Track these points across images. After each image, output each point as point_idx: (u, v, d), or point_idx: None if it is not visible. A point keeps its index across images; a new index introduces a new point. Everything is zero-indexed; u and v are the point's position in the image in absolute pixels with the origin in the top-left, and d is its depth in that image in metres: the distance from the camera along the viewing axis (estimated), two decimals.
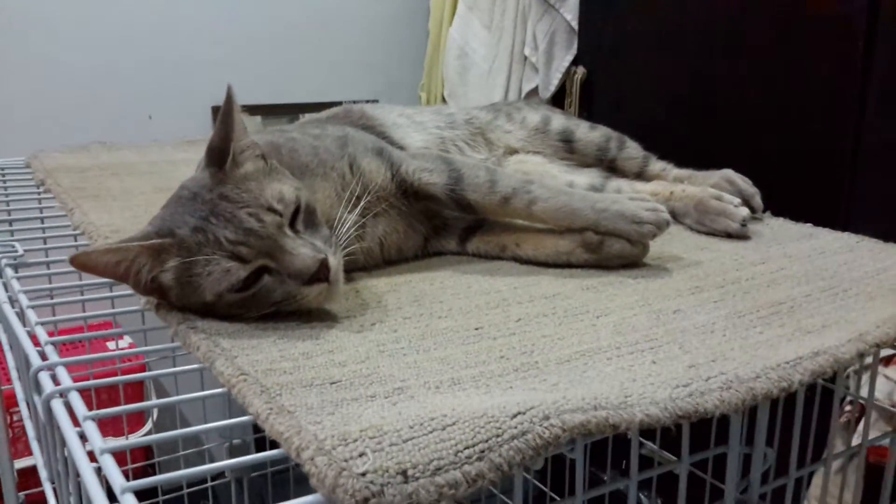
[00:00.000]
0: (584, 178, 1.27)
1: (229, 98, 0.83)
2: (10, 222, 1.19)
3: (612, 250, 1.00)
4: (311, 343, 0.77)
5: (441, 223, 1.07)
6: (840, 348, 0.76)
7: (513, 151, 1.28)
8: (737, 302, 0.90)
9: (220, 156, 0.84)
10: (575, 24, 2.19)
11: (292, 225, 0.81)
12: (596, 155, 1.29)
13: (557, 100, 2.31)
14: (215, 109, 2.34)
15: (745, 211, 1.14)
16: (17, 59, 2.18)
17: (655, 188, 1.25)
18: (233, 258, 0.78)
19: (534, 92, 2.37)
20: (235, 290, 0.79)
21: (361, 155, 0.99)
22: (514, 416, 0.58)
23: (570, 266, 1.02)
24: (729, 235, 1.15)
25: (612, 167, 1.30)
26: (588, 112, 2.21)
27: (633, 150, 1.30)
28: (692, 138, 1.84)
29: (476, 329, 0.82)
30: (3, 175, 1.53)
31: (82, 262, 0.78)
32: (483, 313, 0.87)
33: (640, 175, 1.30)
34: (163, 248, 0.79)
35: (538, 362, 0.74)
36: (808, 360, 0.74)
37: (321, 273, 0.79)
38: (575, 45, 2.23)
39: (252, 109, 2.69)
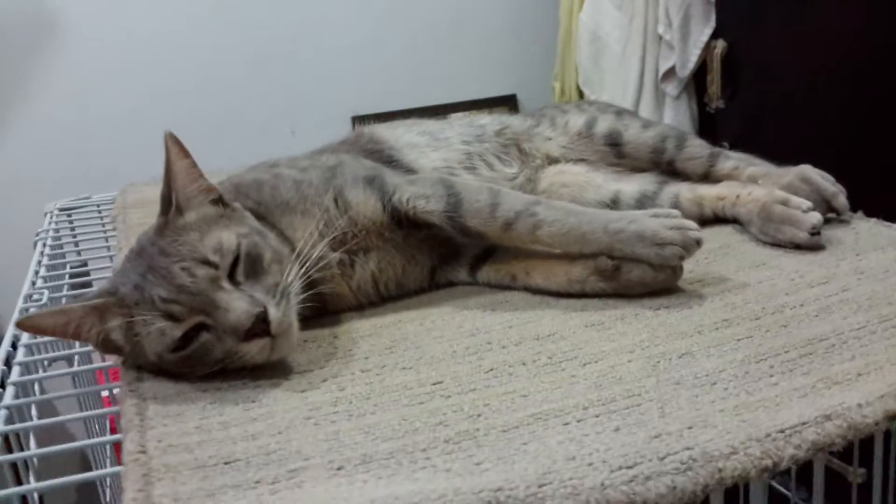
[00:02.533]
0: (634, 185, 1.12)
1: (169, 145, 0.78)
2: (52, 267, 1.22)
3: (632, 277, 0.86)
4: (239, 408, 0.71)
5: (452, 250, 0.98)
6: (862, 410, 0.60)
7: (553, 161, 1.15)
8: (765, 340, 0.75)
9: (165, 205, 0.79)
10: None
11: (232, 276, 0.75)
12: (650, 157, 1.14)
13: (698, 78, 2.15)
14: (355, 119, 2.33)
15: (814, 217, 0.96)
16: (157, 81, 2.21)
17: (722, 191, 1.09)
18: (166, 317, 0.73)
19: (671, 71, 2.20)
20: (171, 350, 0.74)
21: (350, 186, 0.92)
22: None
23: (584, 296, 0.89)
24: (797, 246, 0.97)
25: (671, 169, 1.14)
26: (732, 89, 2.04)
27: (695, 149, 1.13)
28: (848, 112, 1.61)
29: (434, 384, 0.73)
30: (99, 212, 1.57)
31: (30, 326, 0.77)
32: (454, 363, 0.77)
33: (707, 176, 1.13)
34: (105, 307, 0.76)
35: (479, 430, 0.64)
36: (812, 428, 0.59)
37: (257, 328, 0.72)
38: (713, 18, 2.06)
39: (394, 116, 2.68)
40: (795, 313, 0.80)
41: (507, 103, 2.76)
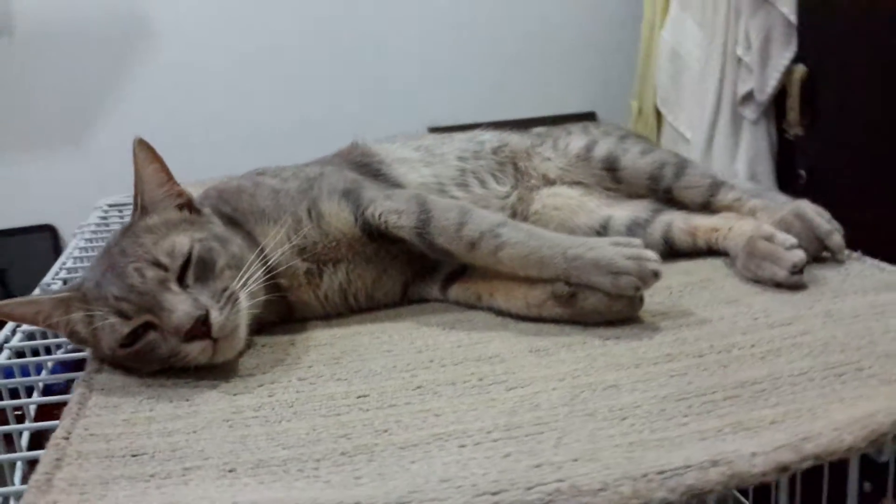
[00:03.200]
0: (626, 211, 1.10)
1: (137, 151, 0.83)
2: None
3: (587, 305, 0.86)
4: (171, 405, 0.75)
5: (426, 267, 0.99)
6: (753, 459, 0.59)
7: (550, 182, 1.15)
8: (697, 379, 0.73)
9: (133, 207, 0.84)
10: (793, 18, 1.98)
11: (182, 278, 0.80)
12: (647, 184, 1.12)
13: (778, 102, 2.10)
14: (432, 130, 2.37)
15: (796, 255, 0.93)
16: (241, 87, 2.29)
17: (717, 223, 1.06)
18: (117, 314, 0.78)
19: (750, 95, 2.16)
20: (121, 345, 0.78)
21: (325, 198, 0.95)
22: None
23: (542, 320, 0.90)
24: (778, 284, 0.94)
25: (669, 197, 1.12)
26: (812, 116, 1.99)
27: (694, 178, 1.11)
28: None
29: (359, 397, 0.75)
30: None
31: (4, 313, 0.83)
32: (387, 377, 0.79)
33: (707, 206, 1.11)
34: (70, 300, 0.81)
35: (378, 445, 0.66)
36: (693, 472, 0.58)
37: (197, 330, 0.76)
38: (794, 42, 2.02)
39: (470, 128, 2.70)
40: (742, 354, 0.78)
41: (586, 120, 2.75)
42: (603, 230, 1.09)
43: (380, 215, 0.93)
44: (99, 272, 0.81)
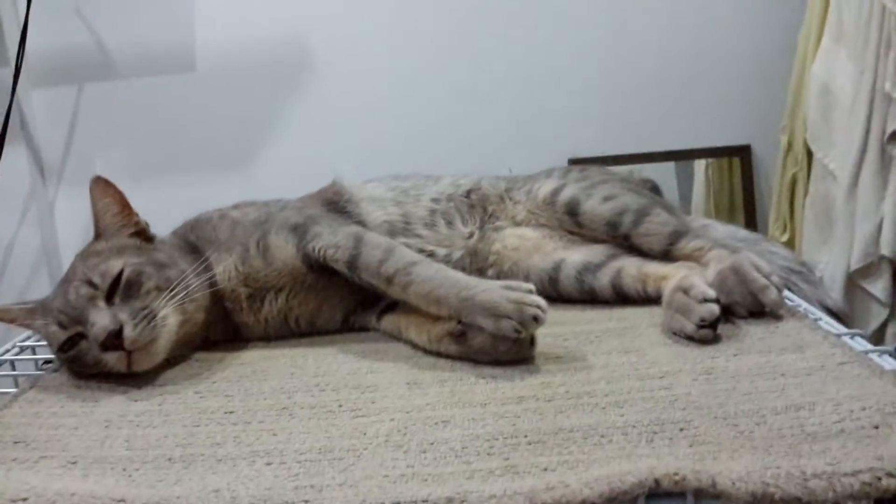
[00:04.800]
0: (579, 255, 1.12)
1: (92, 187, 0.98)
2: None
3: (475, 344, 0.90)
4: (78, 404, 0.87)
5: (367, 298, 1.07)
6: (487, 501, 0.62)
7: (518, 224, 1.19)
8: (523, 422, 0.76)
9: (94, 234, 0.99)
10: None
11: (110, 297, 0.92)
12: (605, 230, 1.13)
13: None
14: (572, 161, 2.36)
15: (705, 309, 0.91)
16: (392, 113, 2.35)
17: (669, 271, 1.05)
18: (57, 324, 0.92)
19: None
20: (59, 350, 0.93)
21: (275, 231, 1.04)
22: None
23: (440, 356, 0.94)
24: (689, 337, 0.93)
25: (629, 244, 1.12)
26: None
27: (654, 226, 1.10)
28: None
29: (227, 413, 0.84)
30: None
31: None
32: (267, 397, 0.87)
33: (668, 254, 1.10)
34: (34, 311, 0.96)
35: (203, 455, 0.74)
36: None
37: (109, 342, 0.88)
38: None
39: (613, 161, 2.67)
40: (588, 402, 0.79)
41: (739, 154, 2.66)
42: (554, 272, 1.11)
43: (319, 249, 1.01)
44: (57, 287, 0.96)
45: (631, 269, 1.08)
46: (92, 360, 0.91)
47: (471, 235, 1.16)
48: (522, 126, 2.46)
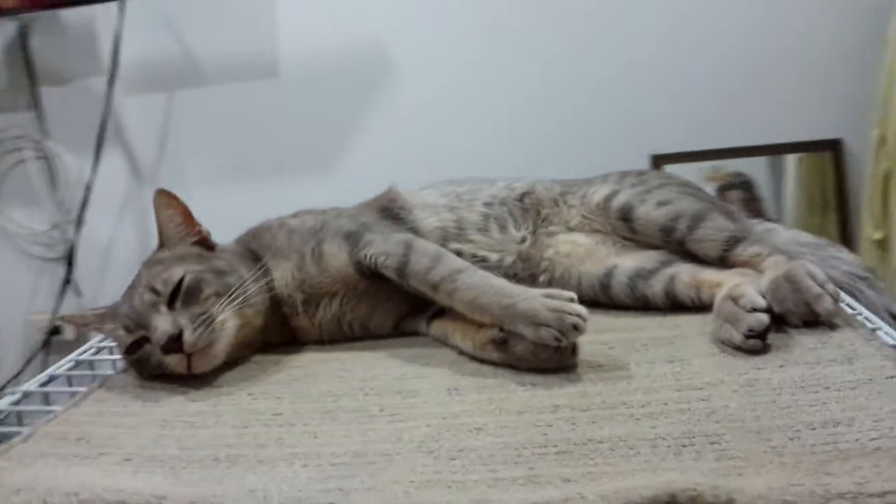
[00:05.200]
0: (632, 261, 1.11)
1: (156, 199, 1.04)
2: None
3: (516, 351, 0.92)
4: (139, 404, 0.93)
5: (420, 304, 1.09)
6: None
7: (571, 229, 1.19)
8: (555, 431, 0.77)
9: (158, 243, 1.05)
10: None
11: (172, 302, 0.98)
12: (659, 236, 1.11)
13: None
14: (654, 158, 2.33)
15: (754, 319, 0.89)
16: (469, 118, 2.37)
17: (724, 278, 1.04)
18: (124, 328, 0.98)
19: None
20: (126, 353, 0.99)
21: (329, 239, 1.08)
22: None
23: (484, 362, 0.96)
24: (737, 347, 0.91)
25: (684, 249, 1.11)
26: None
27: (710, 231, 1.08)
28: None
29: (275, 415, 0.88)
30: None
31: (69, 321, 1.07)
32: (315, 400, 0.90)
33: (724, 260, 1.08)
34: (104, 316, 1.03)
35: (246, 456, 0.78)
36: None
37: (170, 345, 0.94)
38: None
39: (697, 156, 2.63)
40: (623, 412, 0.79)
41: (831, 148, 2.57)
42: (606, 279, 1.11)
43: (371, 256, 1.04)
44: (125, 294, 1.02)
45: (685, 275, 1.06)
46: (155, 362, 0.96)
47: (523, 240, 1.17)
48: (602, 124, 2.42)
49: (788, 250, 1.06)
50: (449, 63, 2.40)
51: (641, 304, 1.09)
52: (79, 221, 2.21)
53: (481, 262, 1.14)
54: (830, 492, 0.60)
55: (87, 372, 1.12)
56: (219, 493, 0.69)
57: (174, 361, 0.95)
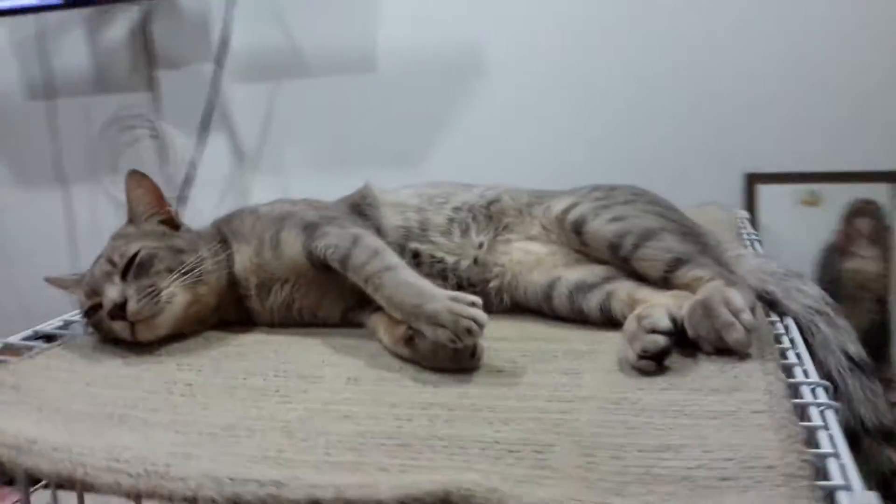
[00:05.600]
0: (576, 274, 1.11)
1: (126, 180, 1.13)
2: None
3: (420, 349, 0.95)
4: (85, 364, 1.02)
5: (366, 297, 1.13)
6: (294, 489, 0.68)
7: (531, 238, 1.20)
8: (413, 426, 0.80)
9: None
10: None
11: (125, 274, 1.07)
12: (606, 251, 1.11)
13: None
14: (749, 177, 2.28)
15: (650, 341, 0.89)
16: (559, 122, 2.39)
17: (656, 299, 1.04)
18: (85, 294, 1.08)
19: None
20: (85, 316, 1.09)
21: (288, 229, 1.14)
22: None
23: (399, 358, 1.00)
24: (632, 367, 0.92)
25: (630, 267, 1.11)
26: None
27: (655, 251, 1.07)
28: None
29: (187, 385, 0.95)
30: None
31: (53, 283, 1.18)
32: (231, 376, 0.97)
33: (667, 281, 1.07)
34: (78, 281, 1.13)
35: (139, 417, 0.86)
36: (252, 486, 0.69)
37: (114, 312, 1.03)
38: None
39: (794, 178, 2.55)
40: (486, 416, 0.80)
41: None
42: (549, 289, 1.12)
43: (322, 247, 1.10)
44: (93, 263, 1.12)
45: (622, 293, 1.06)
46: (106, 327, 1.06)
47: (480, 246, 1.19)
48: (693, 138, 2.37)
49: (731, 277, 1.04)
50: (541, 68, 2.43)
51: (578, 317, 1.10)
52: (182, 199, 2.35)
53: (438, 263, 1.18)
54: None
55: (71, 332, 1.23)
56: (84, 444, 0.77)
57: (119, 328, 1.04)
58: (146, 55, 2.59)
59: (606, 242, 1.10)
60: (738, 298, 0.93)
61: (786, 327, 1.06)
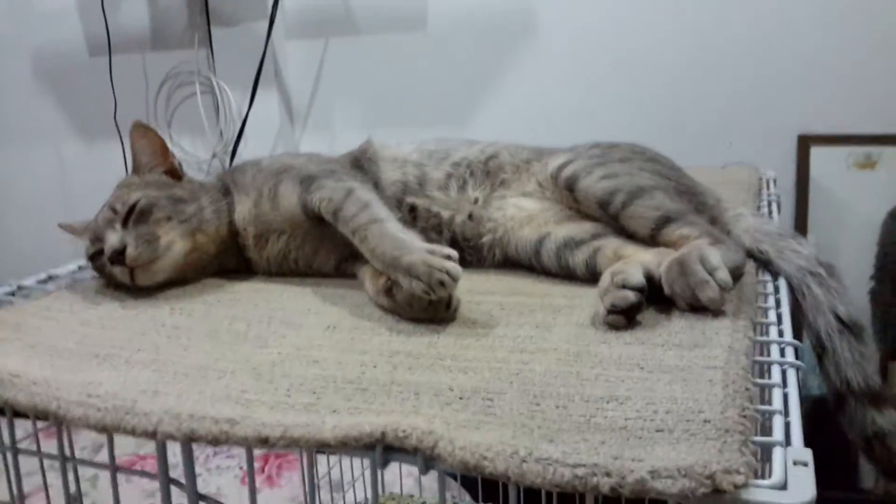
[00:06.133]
0: (564, 231, 1.11)
1: (132, 130, 1.17)
2: None
3: (398, 299, 0.97)
4: (85, 305, 1.08)
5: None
6: (233, 427, 0.71)
7: (526, 194, 1.20)
8: (374, 372, 0.82)
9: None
10: None
11: (126, 222, 1.11)
12: (596, 209, 1.11)
13: None
14: (802, 138, 2.25)
15: (620, 296, 0.89)
16: (608, 83, 2.37)
17: (642, 256, 1.04)
18: (90, 240, 1.13)
19: None
20: (90, 260, 1.14)
21: (286, 181, 1.17)
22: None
23: (380, 308, 1.02)
24: (602, 321, 0.92)
25: (619, 224, 1.10)
26: None
27: (643, 209, 1.07)
28: None
29: (174, 328, 0.99)
30: None
31: (66, 229, 1.24)
32: (218, 321, 1.00)
33: (654, 238, 1.07)
34: (85, 227, 1.18)
35: (122, 356, 0.90)
36: (208, 422, 0.73)
37: (113, 257, 1.07)
38: None
39: (850, 140, 2.47)
40: (447, 364, 0.82)
41: None
42: (538, 245, 1.13)
43: (317, 200, 1.12)
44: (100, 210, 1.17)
45: (608, 249, 1.07)
46: (108, 272, 1.10)
47: (476, 201, 1.20)
48: (746, 98, 2.32)
49: (717, 235, 1.04)
50: (592, 29, 2.38)
51: (566, 273, 1.10)
52: (233, 153, 2.42)
53: (434, 217, 1.19)
54: (532, 455, 0.62)
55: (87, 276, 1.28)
56: (63, 379, 0.81)
57: (118, 272, 1.08)
58: (202, 13, 2.63)
59: (597, 199, 1.10)
60: (716, 256, 0.93)
61: (776, 287, 1.05)
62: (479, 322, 0.95)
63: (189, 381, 0.81)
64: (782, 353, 0.85)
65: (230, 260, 1.19)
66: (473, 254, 1.18)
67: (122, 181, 1.19)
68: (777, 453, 0.64)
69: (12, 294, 1.17)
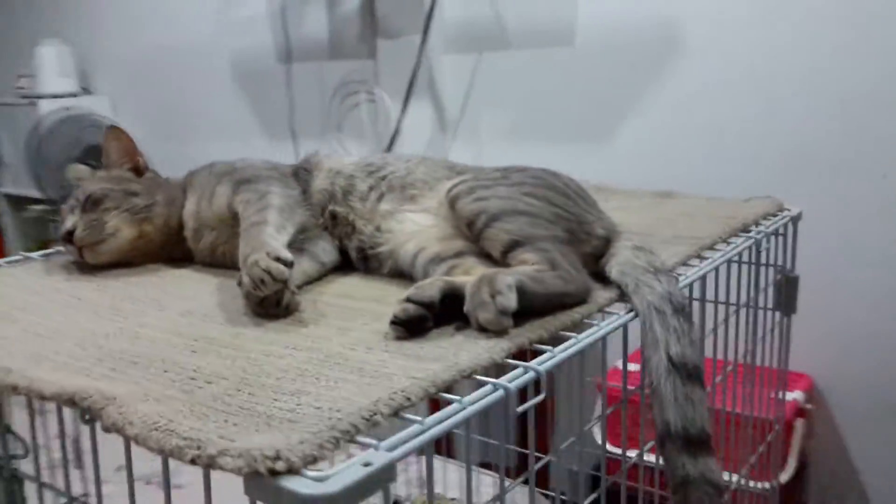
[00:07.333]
0: (438, 247, 1.16)
1: (106, 134, 1.39)
2: None
3: (242, 293, 1.11)
4: (42, 279, 1.31)
5: None
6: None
7: (425, 210, 1.27)
8: (166, 351, 0.95)
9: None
10: None
11: (84, 209, 1.33)
12: (466, 229, 1.17)
13: None
14: None
15: (400, 308, 0.97)
16: (750, 103, 2.34)
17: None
18: (60, 223, 1.37)
19: None
20: (61, 239, 1.37)
21: (224, 184, 1.33)
22: None
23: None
24: None
25: (481, 246, 1.16)
26: None
27: (498, 232, 1.11)
28: None
29: (105, 308, 1.19)
30: None
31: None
32: (123, 301, 1.19)
33: (505, 260, 1.11)
34: (63, 210, 1.42)
35: (51, 329, 1.12)
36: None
37: (65, 237, 1.30)
38: None
39: None
40: (220, 351, 0.95)
41: None
42: (414, 258, 1.21)
43: (238, 202, 1.28)
44: None
45: (463, 267, 1.13)
46: (67, 250, 1.33)
47: (385, 214, 1.30)
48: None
49: (612, 271, 1.14)
50: (739, 49, 2.35)
51: None
52: None
53: (349, 225, 1.30)
54: (164, 426, 0.74)
55: None
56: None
57: (70, 251, 1.31)
58: (371, 25, 2.87)
59: (465, 219, 1.16)
60: (504, 281, 0.97)
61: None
62: (300, 320, 1.06)
63: (39, 344, 0.99)
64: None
65: (177, 250, 1.38)
66: (375, 262, 1.28)
67: (91, 174, 1.41)
68: (361, 455, 0.70)
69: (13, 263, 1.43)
